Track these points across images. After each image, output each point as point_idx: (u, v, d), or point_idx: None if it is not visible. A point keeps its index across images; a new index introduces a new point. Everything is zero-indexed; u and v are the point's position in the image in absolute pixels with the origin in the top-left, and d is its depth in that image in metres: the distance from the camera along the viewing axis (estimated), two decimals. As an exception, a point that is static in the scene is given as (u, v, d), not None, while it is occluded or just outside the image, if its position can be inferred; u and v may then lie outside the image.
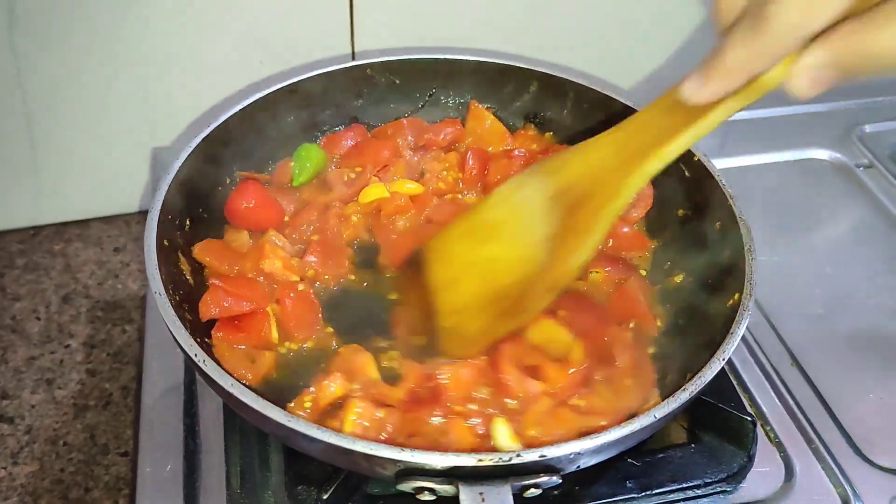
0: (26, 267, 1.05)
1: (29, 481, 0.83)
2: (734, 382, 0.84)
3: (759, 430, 0.81)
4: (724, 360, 0.67)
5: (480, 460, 0.59)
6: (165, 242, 0.76)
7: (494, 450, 0.66)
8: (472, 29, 1.11)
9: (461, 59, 0.99)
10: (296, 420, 0.60)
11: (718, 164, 0.85)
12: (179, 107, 1.06)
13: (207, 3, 0.99)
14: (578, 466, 0.63)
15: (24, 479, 0.83)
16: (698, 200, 0.85)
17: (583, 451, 0.60)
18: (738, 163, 1.15)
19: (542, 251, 0.70)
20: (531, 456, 0.59)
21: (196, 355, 0.66)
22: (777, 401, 0.85)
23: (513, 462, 0.59)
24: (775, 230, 1.04)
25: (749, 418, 0.77)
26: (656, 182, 0.86)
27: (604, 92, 0.94)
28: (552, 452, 0.59)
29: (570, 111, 0.98)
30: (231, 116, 0.88)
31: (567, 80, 0.97)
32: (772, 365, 0.88)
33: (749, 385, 0.86)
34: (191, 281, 0.80)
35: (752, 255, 0.76)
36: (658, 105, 0.64)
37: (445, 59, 0.99)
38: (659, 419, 0.62)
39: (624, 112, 0.88)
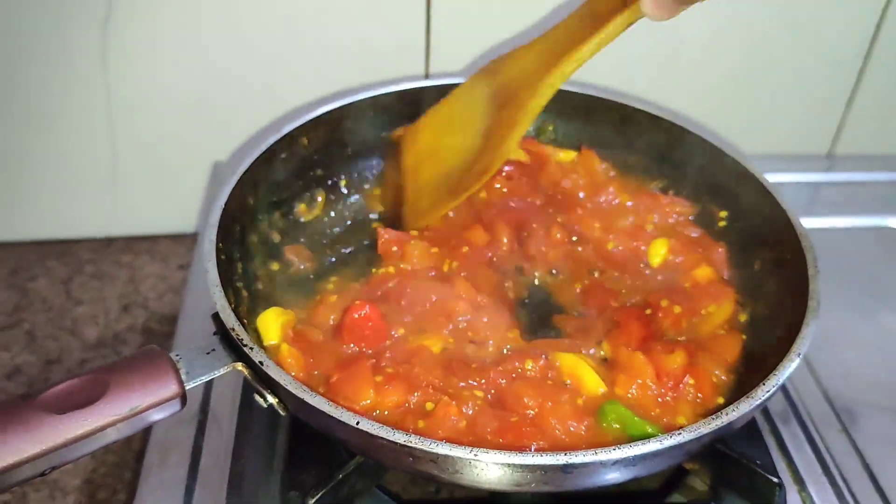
0: (94, 274, 1.10)
1: (80, 476, 0.86)
2: (772, 442, 0.79)
3: (797, 496, 0.76)
4: (758, 405, 0.63)
5: None
6: (222, 256, 0.77)
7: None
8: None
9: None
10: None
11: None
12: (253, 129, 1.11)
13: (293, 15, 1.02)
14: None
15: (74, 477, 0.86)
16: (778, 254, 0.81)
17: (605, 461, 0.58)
18: (819, 224, 1.10)
19: (481, 140, 0.84)
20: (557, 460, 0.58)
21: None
22: (819, 468, 0.79)
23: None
24: (842, 294, 0.98)
25: (776, 480, 0.70)
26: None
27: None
28: (574, 459, 0.58)
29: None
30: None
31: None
32: (817, 430, 0.82)
33: (790, 448, 0.80)
34: (245, 294, 0.81)
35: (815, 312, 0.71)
36: (574, 16, 0.77)
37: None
38: (666, 446, 0.59)
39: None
